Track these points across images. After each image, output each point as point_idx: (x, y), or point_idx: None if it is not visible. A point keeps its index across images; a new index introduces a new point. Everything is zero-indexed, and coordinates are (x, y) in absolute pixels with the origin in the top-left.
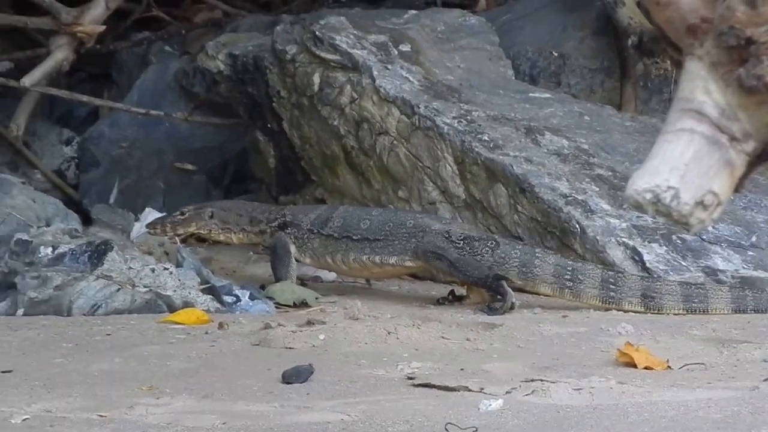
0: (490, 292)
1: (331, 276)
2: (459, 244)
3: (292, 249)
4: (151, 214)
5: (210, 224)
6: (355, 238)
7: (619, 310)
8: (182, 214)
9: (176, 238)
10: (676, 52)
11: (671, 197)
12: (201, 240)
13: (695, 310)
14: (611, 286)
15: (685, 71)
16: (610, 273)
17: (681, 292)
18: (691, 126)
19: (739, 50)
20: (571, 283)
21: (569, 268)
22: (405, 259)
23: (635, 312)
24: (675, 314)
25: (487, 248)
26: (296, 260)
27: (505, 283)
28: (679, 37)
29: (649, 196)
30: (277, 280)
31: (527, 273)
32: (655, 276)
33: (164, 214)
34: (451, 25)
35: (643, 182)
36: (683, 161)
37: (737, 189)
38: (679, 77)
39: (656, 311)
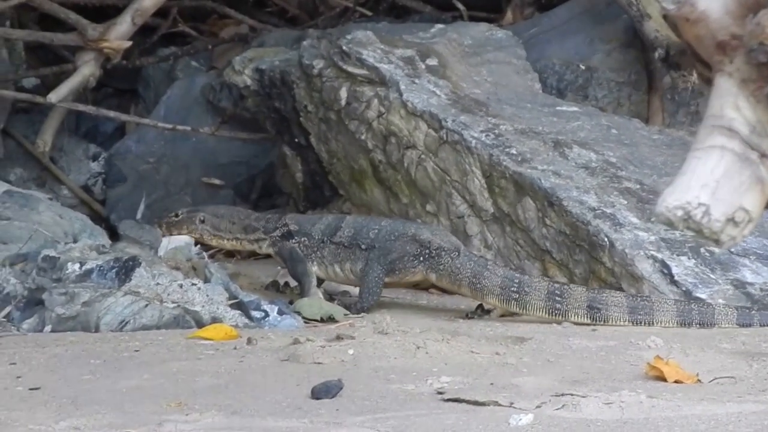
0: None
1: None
2: (433, 253)
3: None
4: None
5: (201, 229)
6: (363, 247)
7: (566, 321)
8: (176, 216)
9: (172, 233)
10: (705, 68)
11: (702, 214)
12: (229, 255)
13: (640, 323)
14: (557, 298)
15: (715, 88)
16: (556, 285)
17: (627, 304)
18: (722, 143)
19: None
20: (517, 295)
21: (516, 281)
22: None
23: (581, 324)
24: (619, 326)
25: (449, 258)
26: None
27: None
28: (708, 54)
29: (680, 212)
30: (301, 285)
31: (476, 284)
32: (645, 294)
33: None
34: (478, 39)
35: (673, 199)
36: (714, 178)
37: None
38: (709, 94)
39: (602, 323)
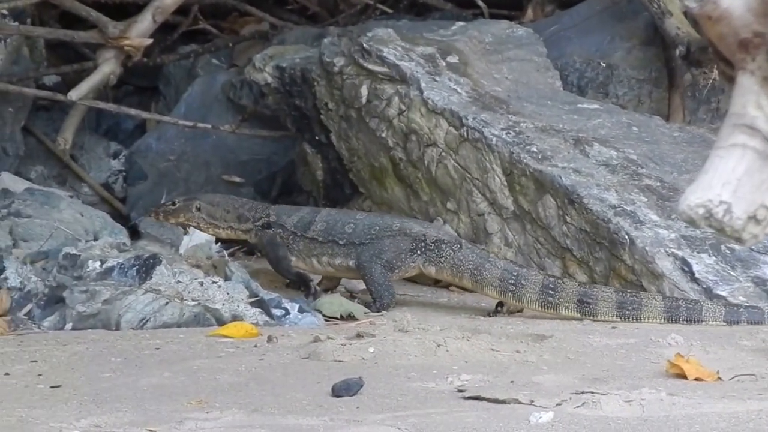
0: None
1: None
2: (431, 246)
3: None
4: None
5: (197, 217)
6: (341, 242)
7: (557, 314)
8: (173, 204)
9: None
10: (727, 66)
11: (724, 212)
12: (249, 253)
13: (628, 318)
14: (550, 292)
15: (737, 86)
16: (550, 279)
17: (616, 299)
18: (744, 141)
19: None
20: (514, 288)
21: (514, 273)
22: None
23: (571, 318)
24: (606, 321)
25: (451, 251)
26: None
27: (381, 308)
28: (731, 52)
29: (701, 210)
30: (282, 275)
31: (477, 276)
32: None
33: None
34: (499, 36)
35: (695, 197)
36: (735, 176)
37: None
38: (731, 92)
39: (591, 317)
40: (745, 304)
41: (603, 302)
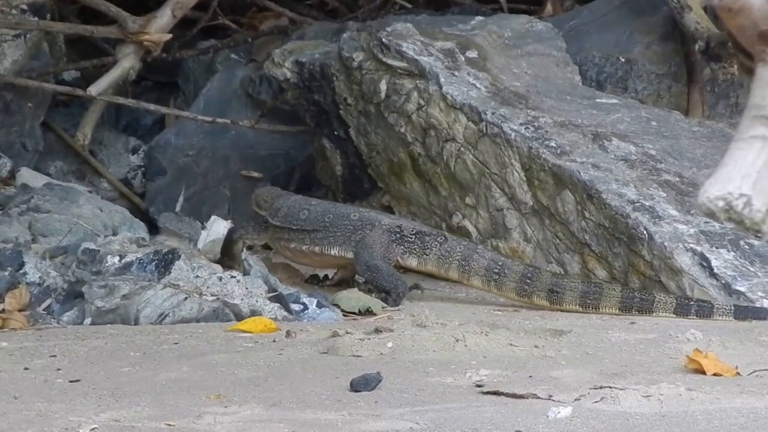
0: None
1: None
2: (411, 238)
3: (254, 235)
4: (217, 222)
5: None
6: (294, 228)
7: (530, 303)
8: None
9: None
10: (747, 58)
11: (743, 204)
12: (267, 248)
13: (589, 307)
14: (527, 281)
15: (756, 78)
16: (529, 269)
17: (580, 290)
18: (763, 133)
19: None
20: (497, 277)
21: (499, 263)
22: (348, 251)
23: (541, 306)
24: (572, 310)
25: (436, 242)
26: (258, 245)
27: (398, 299)
28: (750, 44)
29: (721, 203)
30: (228, 257)
31: (465, 266)
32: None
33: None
34: (518, 31)
35: (715, 190)
36: (755, 168)
37: None
38: (751, 84)
39: (558, 305)
40: (696, 297)
41: (569, 292)
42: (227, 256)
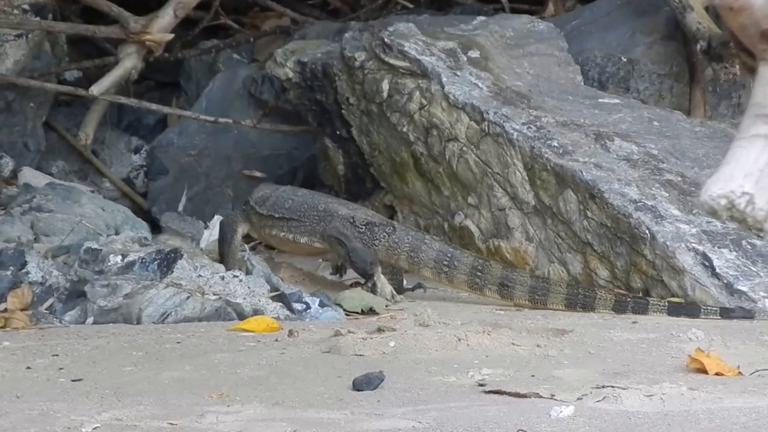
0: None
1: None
2: (362, 229)
3: (243, 226)
4: (219, 222)
5: None
6: (277, 216)
7: (483, 296)
8: None
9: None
10: (749, 57)
11: (746, 203)
12: (270, 247)
13: (537, 302)
14: (478, 273)
15: (758, 77)
16: (480, 261)
17: (530, 284)
18: (766, 131)
19: None
20: (447, 269)
21: (449, 255)
22: (314, 240)
23: (493, 299)
24: (522, 304)
25: (384, 233)
26: (248, 235)
27: (378, 281)
28: (752, 43)
29: (723, 201)
30: (220, 254)
31: (414, 257)
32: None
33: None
34: (520, 31)
35: (717, 188)
36: (757, 167)
37: None
38: (753, 83)
39: (508, 299)
40: (631, 295)
41: (519, 286)
42: (222, 247)
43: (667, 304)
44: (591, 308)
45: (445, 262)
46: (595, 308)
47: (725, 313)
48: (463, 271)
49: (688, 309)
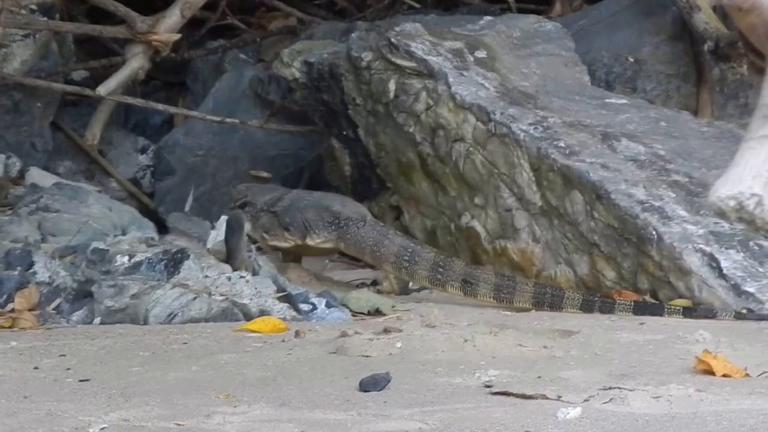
0: None
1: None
2: (341, 224)
3: (247, 226)
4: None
5: None
6: (272, 212)
7: (445, 292)
8: None
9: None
10: (757, 57)
11: (755, 204)
12: (276, 248)
13: (503, 301)
14: (440, 269)
15: (767, 77)
16: (441, 257)
17: (494, 282)
18: None
19: None
20: (408, 264)
21: (409, 250)
22: (296, 237)
23: (456, 295)
24: (487, 303)
25: (355, 227)
26: (250, 237)
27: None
28: (761, 43)
29: (732, 203)
30: (229, 251)
31: (376, 252)
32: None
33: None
34: (527, 31)
35: (726, 189)
36: (766, 168)
37: None
38: (762, 83)
39: (472, 296)
40: (598, 294)
41: (483, 283)
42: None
43: (632, 303)
44: (558, 307)
45: (406, 257)
46: (562, 307)
47: (687, 313)
48: (423, 267)
49: (653, 308)
